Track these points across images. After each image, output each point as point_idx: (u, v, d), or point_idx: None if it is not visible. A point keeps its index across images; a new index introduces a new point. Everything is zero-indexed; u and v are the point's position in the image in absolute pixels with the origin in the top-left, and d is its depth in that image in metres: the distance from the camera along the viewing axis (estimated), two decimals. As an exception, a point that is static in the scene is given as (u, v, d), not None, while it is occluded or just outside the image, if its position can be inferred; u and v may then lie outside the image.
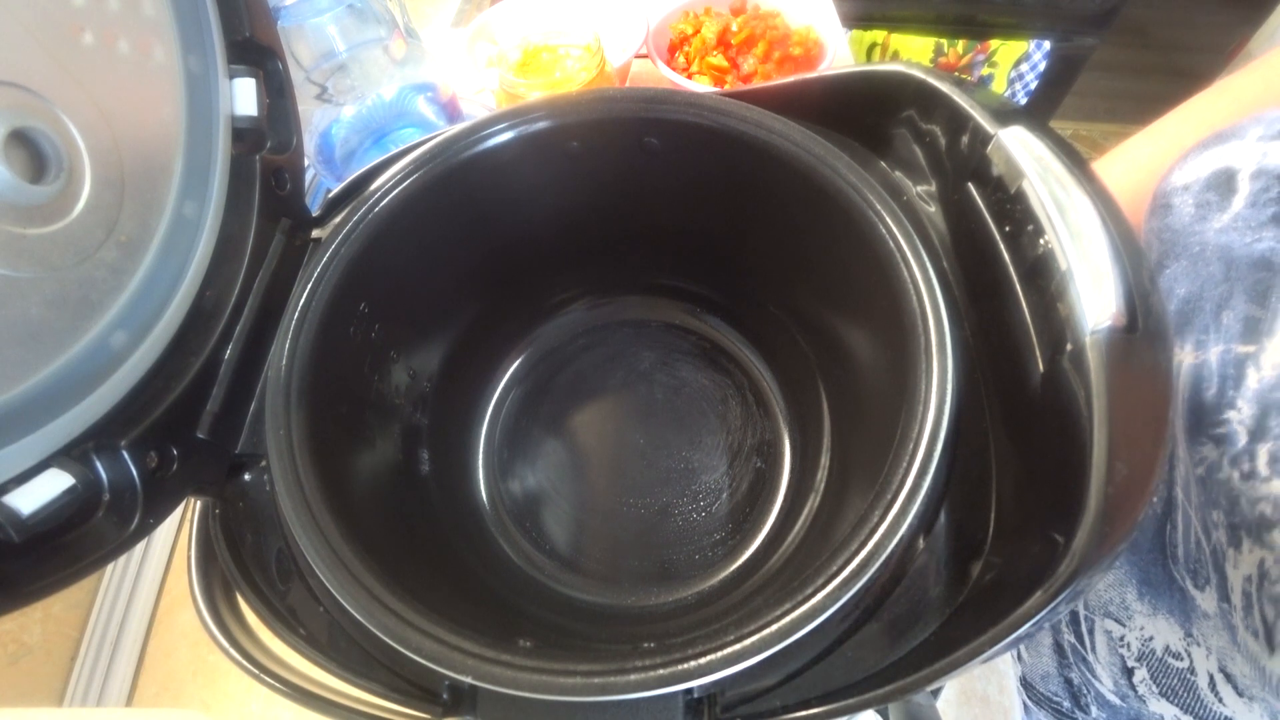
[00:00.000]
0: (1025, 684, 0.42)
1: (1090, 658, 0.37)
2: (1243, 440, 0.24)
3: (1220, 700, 0.31)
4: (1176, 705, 0.33)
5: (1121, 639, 0.34)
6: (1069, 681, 0.39)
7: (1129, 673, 0.34)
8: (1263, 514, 0.23)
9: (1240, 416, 0.25)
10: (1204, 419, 0.26)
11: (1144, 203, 0.32)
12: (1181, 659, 0.32)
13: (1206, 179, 0.29)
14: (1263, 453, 0.24)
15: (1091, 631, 0.36)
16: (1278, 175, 0.26)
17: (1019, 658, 0.42)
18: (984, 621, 0.17)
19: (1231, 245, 0.27)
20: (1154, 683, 0.33)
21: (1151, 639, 0.33)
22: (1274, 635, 0.23)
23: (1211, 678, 0.31)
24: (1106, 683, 0.36)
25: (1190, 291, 0.28)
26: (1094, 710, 0.39)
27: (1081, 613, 0.37)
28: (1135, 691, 0.34)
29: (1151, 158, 0.39)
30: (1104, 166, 0.41)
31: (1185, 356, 0.28)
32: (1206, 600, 0.28)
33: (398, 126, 0.46)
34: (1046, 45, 1.04)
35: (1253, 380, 0.25)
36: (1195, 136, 0.34)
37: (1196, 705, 0.32)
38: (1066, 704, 0.41)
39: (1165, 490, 0.30)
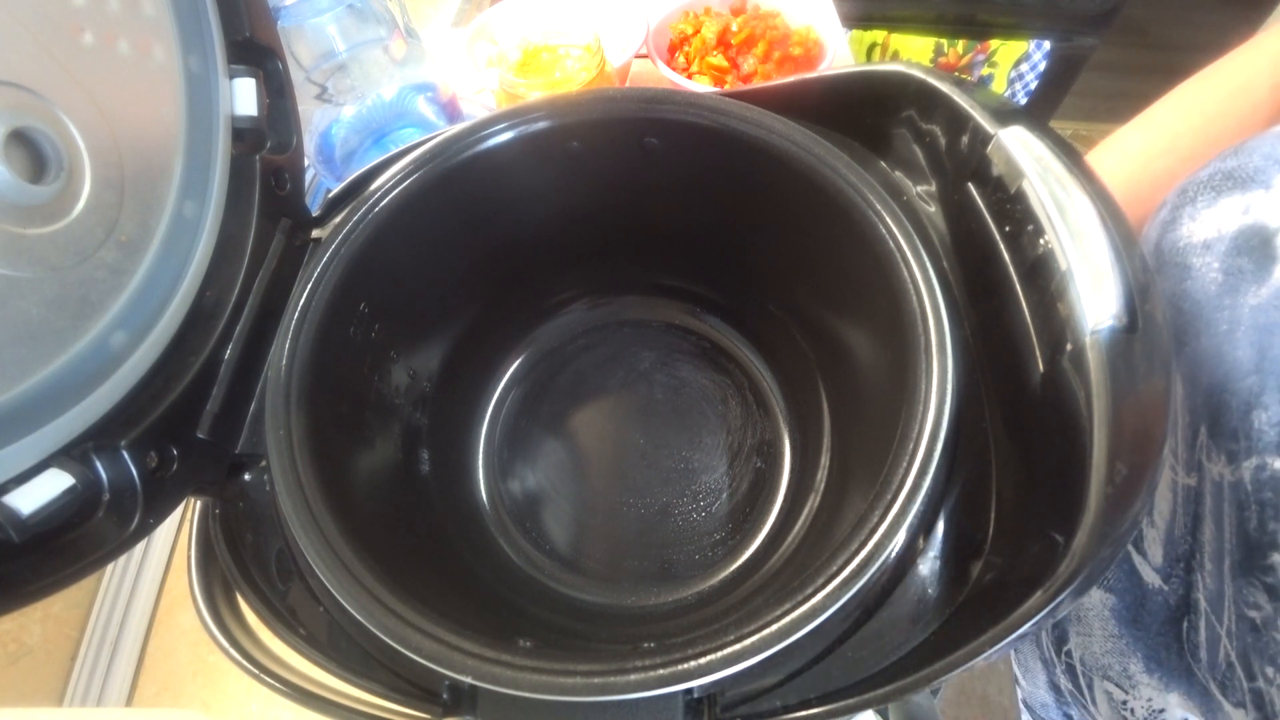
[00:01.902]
0: (1027, 706, 0.42)
1: (1091, 709, 0.35)
2: None
3: None
4: None
5: (1124, 703, 0.32)
6: (1069, 718, 0.39)
7: None
8: None
9: None
10: (1252, 557, 0.22)
11: (1138, 193, 0.30)
12: None
13: (1233, 239, 0.24)
14: None
15: (1090, 686, 0.34)
16: None
17: (1018, 681, 0.41)
18: (984, 621, 0.17)
19: (1272, 327, 0.22)
20: None
21: (1163, 711, 0.31)
22: None
23: None
24: None
25: (1214, 382, 0.23)
26: None
27: (1078, 667, 0.35)
28: None
29: (1143, 148, 0.38)
30: (1096, 159, 0.40)
31: (1220, 469, 0.23)
32: (1240, 717, 0.25)
33: (398, 126, 0.46)
34: (1046, 45, 1.04)
35: None
36: (1188, 125, 0.32)
37: None
38: None
39: (1182, 589, 0.27)
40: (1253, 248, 0.23)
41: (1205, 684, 0.27)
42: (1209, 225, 0.25)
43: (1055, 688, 0.38)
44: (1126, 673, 0.32)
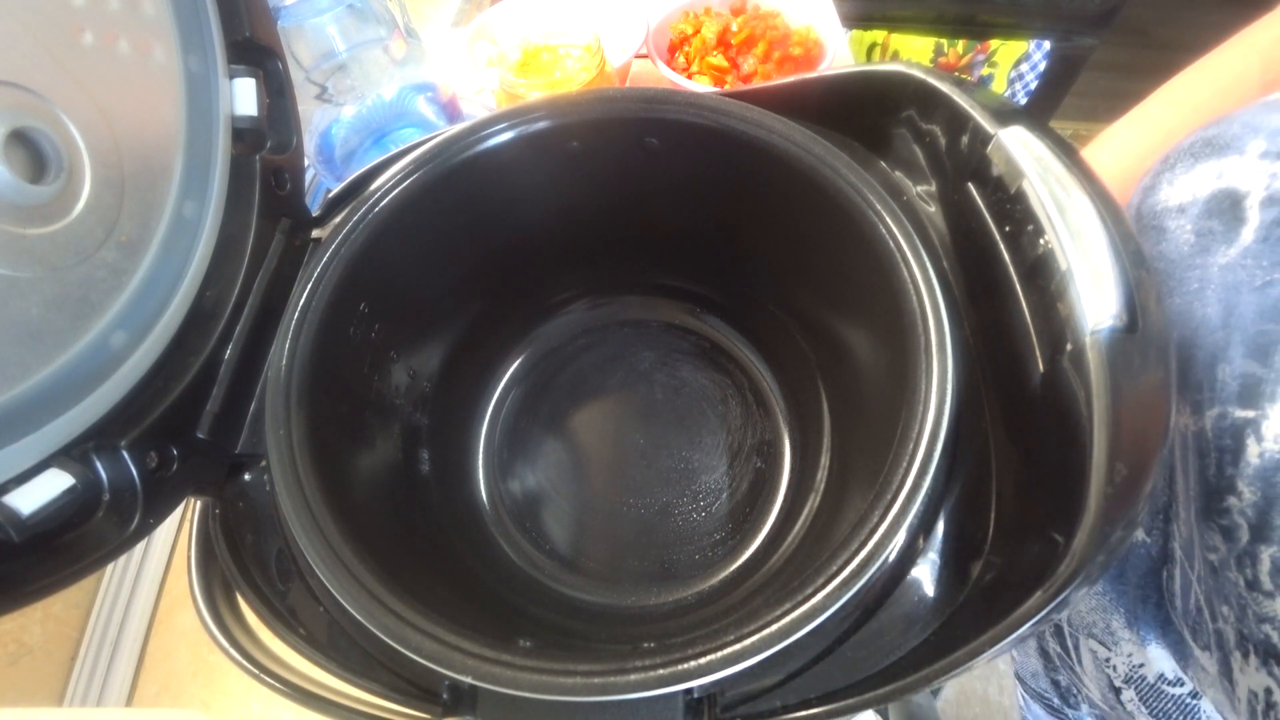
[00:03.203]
0: (1017, 678, 0.42)
1: (1078, 669, 0.36)
2: (1244, 538, 0.22)
3: None
4: None
5: (1107, 660, 0.33)
6: (1056, 683, 0.39)
7: (1116, 691, 0.34)
8: (1269, 640, 0.21)
9: (1241, 504, 0.22)
10: (1210, 502, 0.23)
11: (1132, 187, 0.30)
12: (1183, 685, 0.31)
13: (1206, 202, 0.25)
14: (1265, 559, 0.21)
15: (1077, 646, 0.35)
16: None
17: (1012, 654, 0.42)
18: (984, 621, 0.17)
19: (1238, 285, 0.23)
20: (1142, 704, 0.32)
21: (1141, 665, 0.32)
22: None
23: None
24: (1094, 693, 0.36)
25: (1184, 337, 0.24)
26: (1084, 708, 0.39)
27: (1065, 628, 0.36)
28: (1124, 708, 0.34)
29: (1139, 143, 0.38)
30: (1090, 155, 0.41)
31: (1185, 420, 0.24)
32: (1207, 661, 0.26)
33: (398, 126, 0.46)
34: (1046, 45, 1.04)
35: (1253, 453, 0.22)
36: (1181, 119, 0.33)
37: None
38: (1056, 701, 0.40)
39: (1161, 539, 0.29)
40: (1223, 210, 0.24)
41: (1180, 631, 0.28)
42: (1185, 190, 0.25)
43: (1044, 653, 0.39)
44: (1109, 629, 0.32)
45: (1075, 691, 0.38)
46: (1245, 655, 0.22)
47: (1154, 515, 0.30)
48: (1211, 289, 0.24)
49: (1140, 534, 0.31)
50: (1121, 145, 0.39)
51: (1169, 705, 0.31)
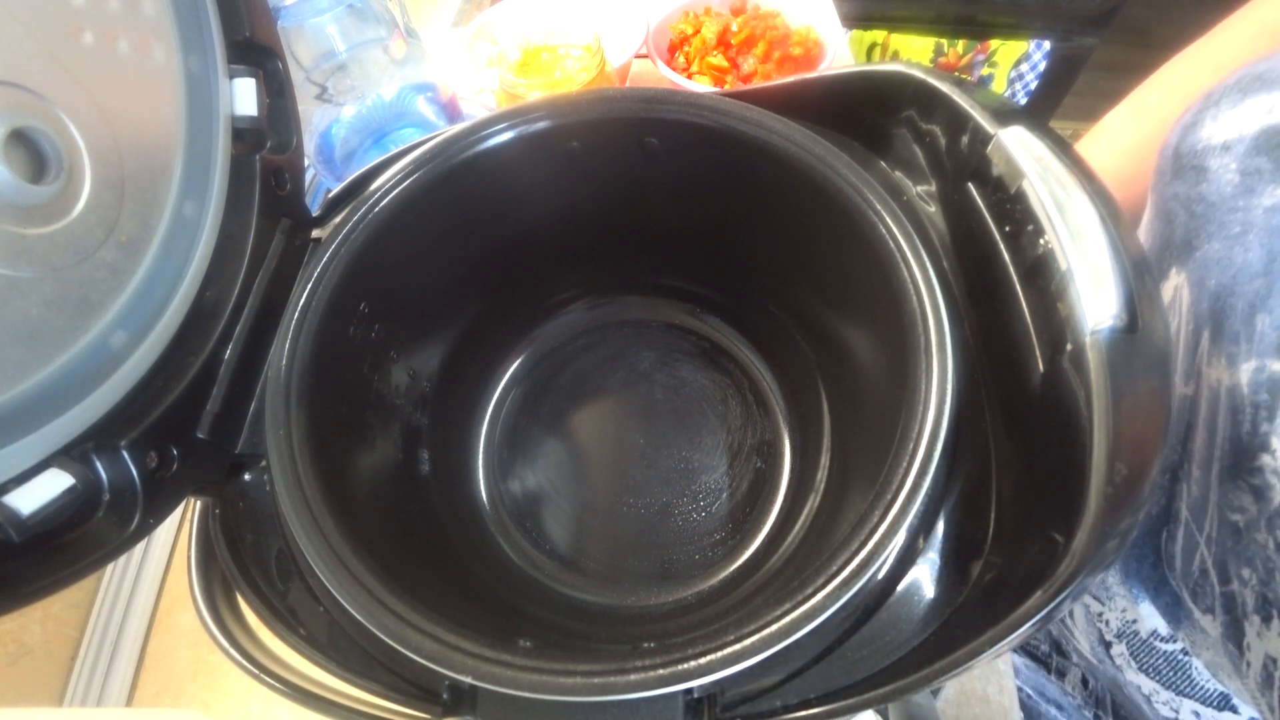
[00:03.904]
0: None
1: (1069, 621, 0.36)
2: (1277, 498, 0.21)
3: (1219, 682, 0.30)
4: (1158, 681, 0.32)
5: (1100, 615, 0.33)
6: (1049, 634, 0.39)
7: (1106, 645, 0.33)
8: None
9: (1275, 463, 0.21)
10: (1241, 460, 0.22)
11: (1130, 185, 0.29)
12: (1174, 642, 0.31)
13: (1254, 139, 0.23)
14: None
15: None
16: None
17: None
18: (984, 621, 0.17)
19: None
20: (1133, 658, 0.32)
21: (1135, 621, 0.32)
22: None
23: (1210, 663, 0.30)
24: (1084, 645, 0.35)
25: (1222, 284, 0.23)
26: (1074, 658, 0.38)
27: None
28: (1112, 662, 0.34)
29: (1133, 134, 0.38)
30: (1085, 147, 0.40)
31: (1218, 374, 0.23)
32: (1208, 624, 0.26)
33: (398, 126, 0.46)
34: (1046, 45, 1.04)
35: None
36: (1175, 107, 0.31)
37: (1184, 684, 0.31)
38: (1045, 648, 0.40)
39: (1164, 498, 0.28)
40: (1273, 146, 0.23)
41: (1178, 592, 0.27)
42: (1231, 127, 0.24)
43: None
44: (1104, 584, 0.32)
45: (1064, 641, 0.38)
46: (1267, 619, 0.22)
47: (1159, 473, 0.29)
48: (1254, 233, 0.22)
49: None
50: (1116, 136, 0.39)
51: (1159, 660, 0.31)
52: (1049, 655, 0.40)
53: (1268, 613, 0.22)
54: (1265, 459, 0.21)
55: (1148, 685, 0.32)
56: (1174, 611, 0.29)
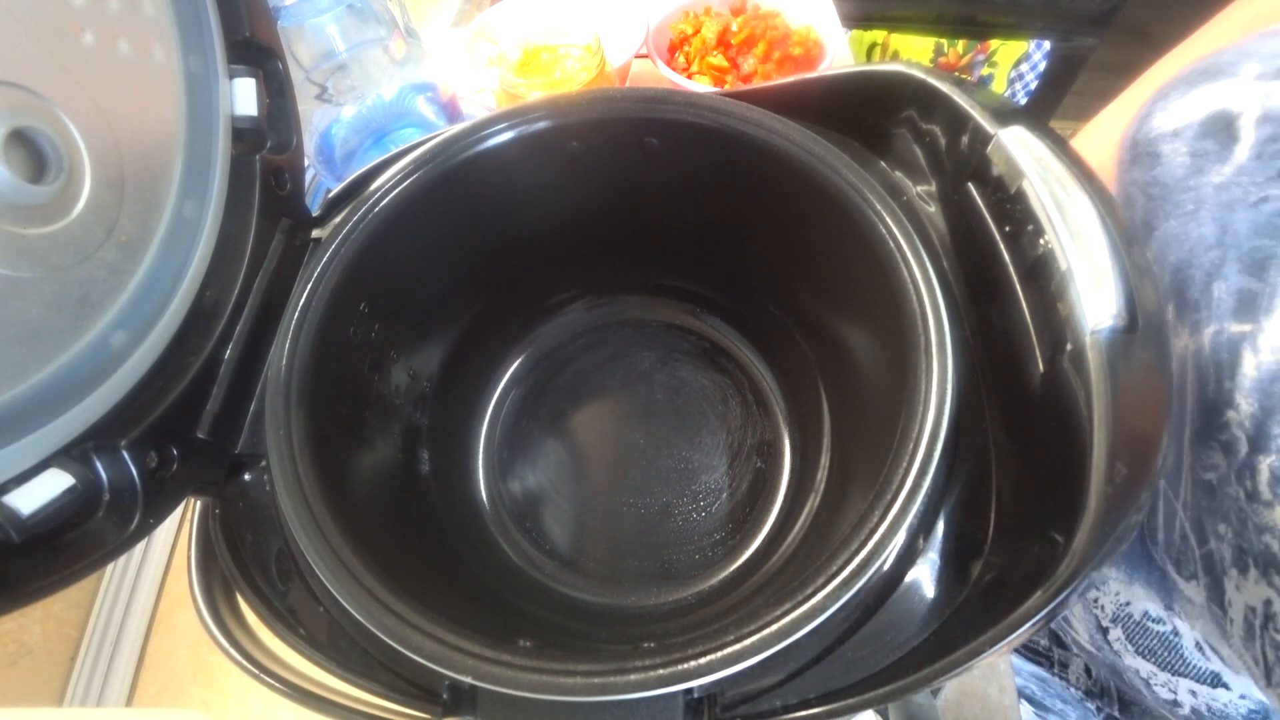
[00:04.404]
0: None
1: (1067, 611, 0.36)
2: (1243, 450, 0.22)
3: (1208, 659, 0.30)
4: (1154, 663, 0.32)
5: (1095, 600, 0.33)
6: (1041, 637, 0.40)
7: (1104, 631, 0.34)
8: (1269, 549, 0.21)
9: (1239, 417, 0.22)
10: (1210, 418, 0.23)
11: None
12: (1164, 624, 0.31)
13: (1201, 124, 0.25)
14: (1263, 469, 0.21)
15: None
16: None
17: None
18: (984, 621, 0.17)
19: (1233, 204, 0.23)
20: (1129, 641, 0.32)
21: (1129, 604, 0.32)
22: (1273, 674, 0.22)
23: (1199, 643, 0.30)
24: (1082, 634, 0.36)
25: (1180, 258, 0.24)
26: (1074, 650, 0.38)
27: None
28: (1110, 647, 0.34)
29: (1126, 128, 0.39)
30: (1080, 144, 0.41)
31: (1183, 341, 0.24)
32: (1192, 591, 0.26)
33: (398, 126, 0.46)
34: (1046, 45, 1.04)
35: (1249, 367, 0.22)
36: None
37: (1178, 663, 0.31)
38: (1045, 642, 0.40)
39: None
40: (1217, 130, 0.24)
41: (1163, 566, 0.28)
42: (1180, 115, 0.26)
43: None
44: None
45: (1062, 634, 0.38)
46: (1244, 570, 0.22)
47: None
48: (1206, 208, 0.24)
49: None
50: (1108, 132, 0.39)
51: (1154, 642, 0.32)
52: (1049, 649, 0.40)
53: (1244, 563, 0.22)
54: (1230, 414, 0.22)
55: (1145, 668, 0.32)
56: (1164, 587, 0.30)
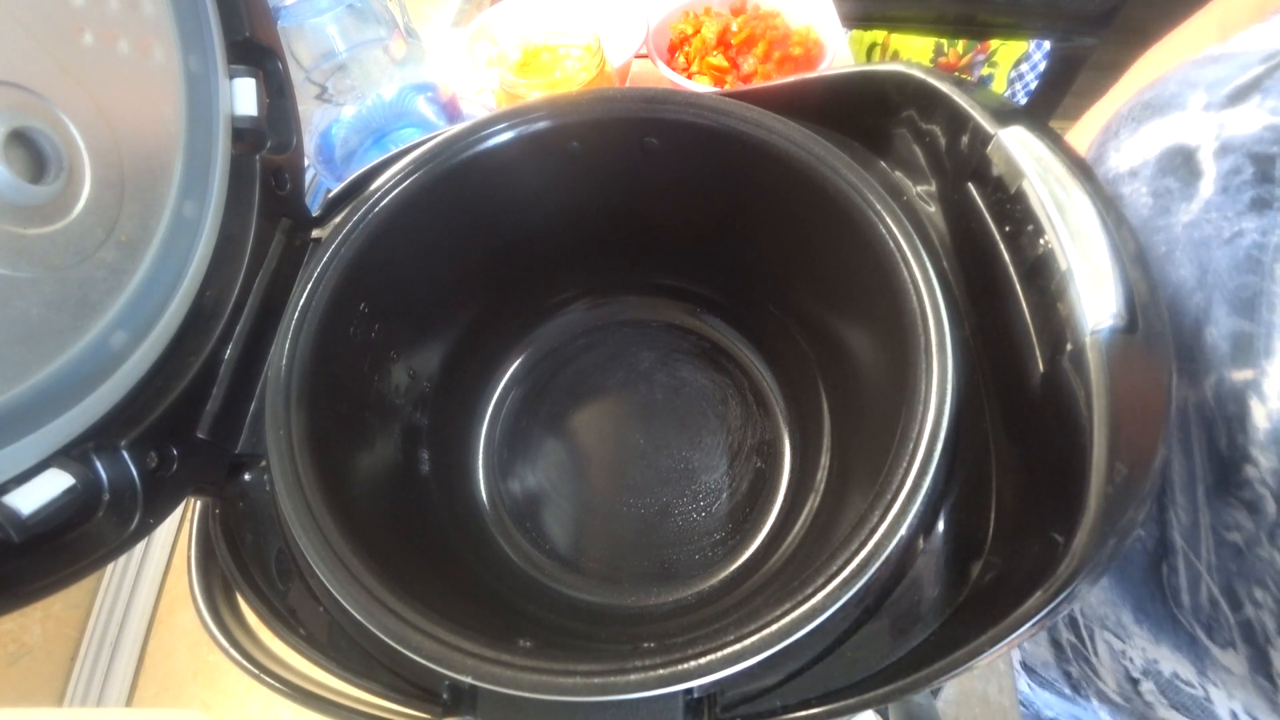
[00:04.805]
0: (1026, 668, 0.42)
1: (1093, 660, 0.35)
2: (1272, 510, 0.20)
3: None
4: (1190, 719, 0.30)
5: (1123, 653, 0.32)
6: (1067, 674, 0.39)
7: (1134, 681, 0.32)
8: None
9: (1260, 473, 0.20)
10: (1226, 476, 0.22)
11: None
12: (1195, 689, 0.29)
13: (1158, 161, 0.24)
14: None
15: (1092, 637, 0.34)
16: (1250, 152, 0.22)
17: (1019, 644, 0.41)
18: (984, 621, 0.17)
19: (1207, 241, 0.22)
20: (1162, 695, 0.31)
21: (1157, 661, 0.30)
22: None
23: (1234, 714, 0.28)
24: (1110, 683, 0.35)
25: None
26: (1095, 702, 0.38)
27: (1079, 618, 0.35)
28: (1142, 698, 0.32)
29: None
30: (1077, 136, 0.41)
31: (1184, 393, 0.23)
32: (1230, 660, 0.25)
33: (398, 126, 0.46)
34: (1046, 45, 1.04)
35: (1260, 417, 0.20)
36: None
37: None
38: (1067, 690, 0.39)
39: (1157, 530, 0.27)
40: (1176, 166, 0.24)
41: (1191, 630, 0.26)
42: (1133, 154, 0.25)
43: (1056, 644, 0.37)
44: (1120, 623, 0.31)
45: (1086, 685, 0.37)
46: None
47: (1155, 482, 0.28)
48: (1180, 249, 0.23)
49: None
50: (1093, 133, 0.39)
51: (1186, 699, 0.30)
52: (1073, 697, 0.39)
53: None
54: (1249, 470, 0.21)
55: None
56: (1194, 651, 0.28)
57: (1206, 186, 0.23)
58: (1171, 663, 0.29)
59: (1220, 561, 0.23)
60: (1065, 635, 0.36)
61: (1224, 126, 0.23)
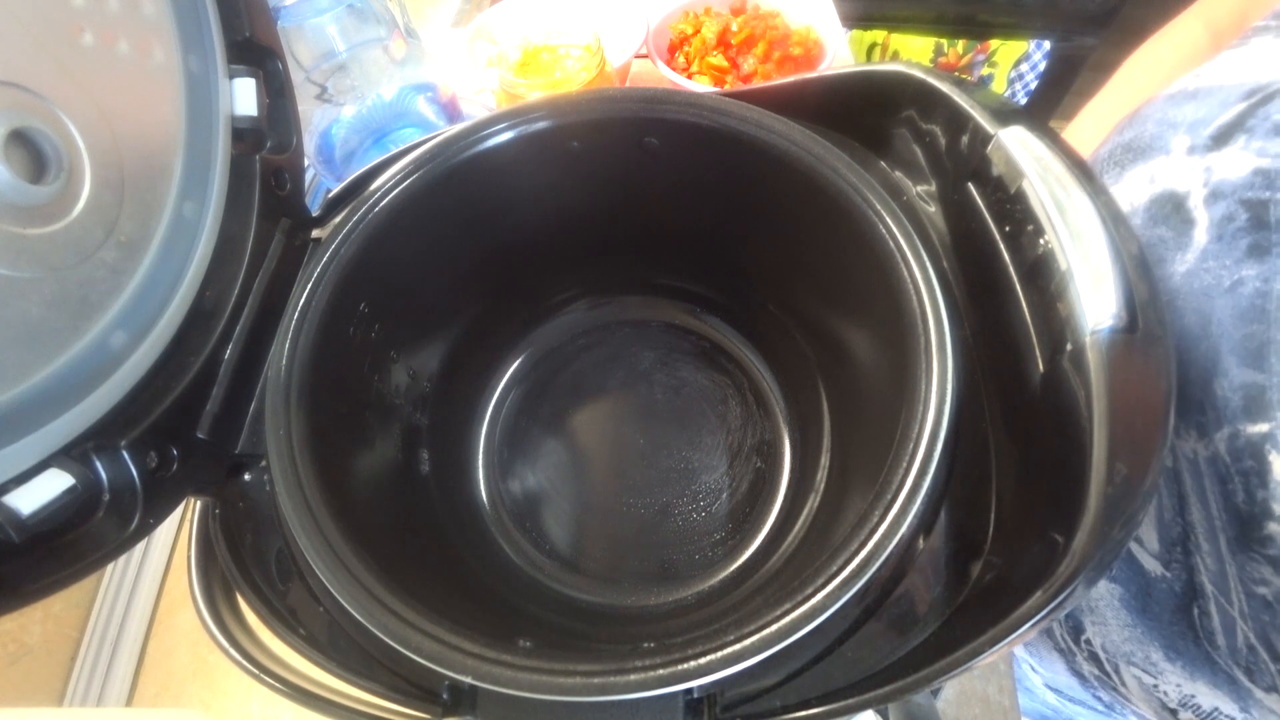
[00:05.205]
0: (1051, 688, 0.41)
1: (1122, 690, 0.34)
2: None
3: None
4: None
5: (1155, 686, 0.31)
6: (1098, 698, 0.37)
7: (1172, 712, 0.31)
8: None
9: None
10: (1248, 532, 0.21)
11: None
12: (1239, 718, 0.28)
13: (1147, 209, 0.24)
14: None
15: (1118, 670, 0.33)
16: (1241, 198, 0.21)
17: (1035, 668, 0.41)
18: (984, 621, 0.17)
19: (1208, 291, 0.22)
20: None
21: (1194, 696, 0.29)
22: None
23: None
24: (1145, 710, 0.33)
25: None
26: (1131, 718, 0.36)
27: (1101, 654, 0.33)
28: None
29: (1118, 111, 0.38)
30: (1074, 132, 0.41)
31: (1191, 445, 0.23)
32: (1273, 703, 0.24)
33: (398, 126, 0.46)
34: (1046, 45, 1.04)
35: (1279, 471, 0.20)
36: (1153, 81, 0.32)
37: None
38: (1100, 708, 0.38)
39: (1184, 573, 0.26)
40: (1167, 215, 0.23)
41: (1230, 671, 0.26)
42: (1120, 201, 0.24)
43: (1078, 674, 0.36)
44: (1150, 660, 0.30)
45: (1120, 705, 0.36)
46: None
47: (1170, 547, 0.27)
48: (1181, 299, 0.23)
49: (1159, 568, 0.28)
50: (1103, 116, 0.39)
51: None
52: (1108, 711, 0.38)
53: None
54: (1273, 527, 0.20)
55: None
56: (1235, 690, 0.27)
57: (1200, 235, 0.22)
58: (1211, 699, 0.28)
59: (1253, 611, 0.23)
60: (1087, 669, 0.35)
61: (1212, 171, 0.22)
